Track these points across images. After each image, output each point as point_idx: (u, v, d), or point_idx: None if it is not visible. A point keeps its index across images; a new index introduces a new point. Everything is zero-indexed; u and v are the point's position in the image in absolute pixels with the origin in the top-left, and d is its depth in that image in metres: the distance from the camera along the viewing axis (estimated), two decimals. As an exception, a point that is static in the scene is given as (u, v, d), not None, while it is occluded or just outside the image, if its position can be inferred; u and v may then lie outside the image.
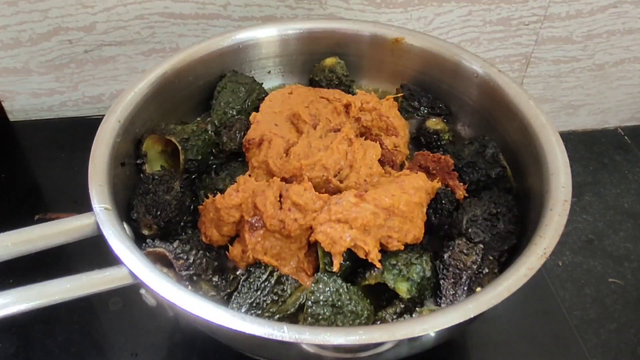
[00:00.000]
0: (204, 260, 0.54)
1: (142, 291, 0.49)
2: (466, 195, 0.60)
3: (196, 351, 0.61)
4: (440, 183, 0.59)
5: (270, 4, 0.82)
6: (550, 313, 0.68)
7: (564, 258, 0.75)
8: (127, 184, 0.59)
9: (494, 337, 0.64)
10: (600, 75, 0.95)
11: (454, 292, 0.52)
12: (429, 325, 0.43)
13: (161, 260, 0.54)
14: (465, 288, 0.51)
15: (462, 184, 0.61)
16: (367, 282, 0.53)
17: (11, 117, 0.91)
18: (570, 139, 0.95)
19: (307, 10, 0.83)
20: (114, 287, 0.48)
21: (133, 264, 0.47)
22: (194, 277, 0.53)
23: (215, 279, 0.53)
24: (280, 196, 0.55)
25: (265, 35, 0.72)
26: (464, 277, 0.52)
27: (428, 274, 0.52)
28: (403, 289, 0.51)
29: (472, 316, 0.44)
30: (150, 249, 0.54)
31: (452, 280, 0.52)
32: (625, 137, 0.97)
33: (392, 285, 0.51)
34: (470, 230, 0.56)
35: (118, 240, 0.49)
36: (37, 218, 0.72)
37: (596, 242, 0.78)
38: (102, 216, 0.50)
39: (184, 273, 0.52)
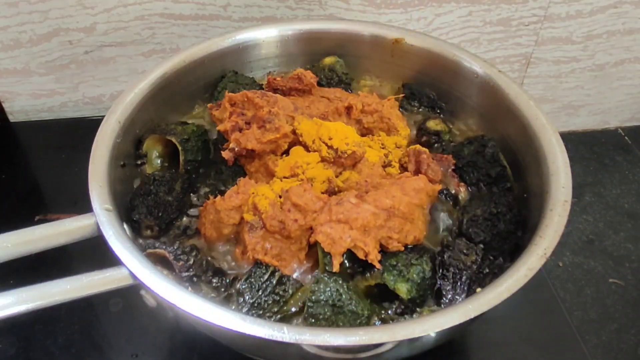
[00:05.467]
0: (204, 261, 0.54)
1: (142, 292, 0.49)
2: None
3: (196, 352, 0.61)
4: (441, 185, 0.59)
5: (270, 4, 0.82)
6: (550, 313, 0.68)
7: (565, 258, 0.75)
8: (127, 185, 0.59)
9: (494, 337, 0.64)
10: (600, 75, 0.95)
11: (453, 292, 0.52)
12: (430, 325, 0.43)
13: (161, 262, 0.54)
14: (465, 288, 0.51)
15: (463, 183, 0.61)
16: (367, 283, 0.53)
17: (11, 118, 0.91)
18: (570, 139, 0.95)
19: (307, 10, 0.83)
20: (114, 288, 0.48)
21: (133, 265, 0.47)
22: (194, 279, 0.53)
23: (215, 280, 0.53)
24: (281, 197, 0.55)
25: (265, 36, 0.72)
26: (464, 277, 0.52)
27: (428, 274, 0.52)
28: (403, 289, 0.51)
29: (472, 317, 0.44)
30: (151, 250, 0.54)
31: (452, 280, 0.52)
32: (626, 138, 0.97)
33: (392, 286, 0.51)
34: (470, 230, 0.56)
35: (118, 241, 0.48)
36: (38, 219, 0.72)
37: (596, 243, 0.77)
38: (102, 217, 0.50)
39: (184, 274, 0.52)
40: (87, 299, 0.48)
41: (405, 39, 0.70)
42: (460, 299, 0.51)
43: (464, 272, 0.52)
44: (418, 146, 0.62)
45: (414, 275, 0.51)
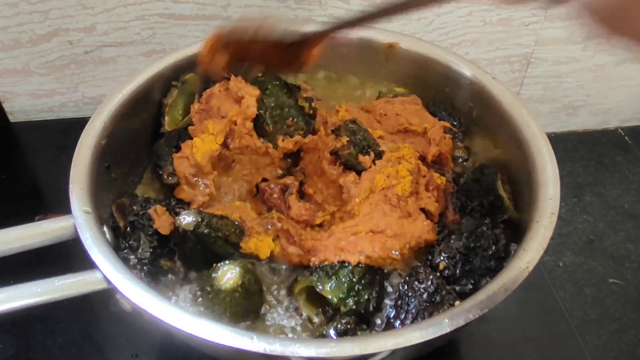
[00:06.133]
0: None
1: (118, 296, 0.48)
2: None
3: (197, 352, 0.61)
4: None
5: (270, 4, 0.82)
6: (550, 313, 0.68)
7: (565, 259, 0.75)
8: (111, 187, 0.59)
9: (494, 337, 0.64)
10: (600, 75, 0.95)
11: (400, 317, 0.50)
12: (402, 339, 0.42)
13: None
14: (411, 314, 0.50)
15: (458, 216, 0.58)
16: (299, 286, 0.53)
17: (11, 118, 0.91)
18: (570, 139, 0.95)
19: (307, 11, 0.83)
20: (88, 291, 0.47)
21: (107, 269, 0.46)
22: (136, 224, 0.54)
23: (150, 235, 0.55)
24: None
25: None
26: (412, 305, 0.50)
27: (355, 278, 0.51)
28: (327, 288, 0.50)
29: (447, 331, 0.43)
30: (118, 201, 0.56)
31: (397, 305, 0.51)
32: (626, 138, 0.97)
33: (317, 285, 0.51)
34: (438, 262, 0.53)
35: (94, 244, 0.48)
36: (38, 219, 0.72)
37: (597, 243, 0.77)
38: (80, 219, 0.50)
39: (131, 218, 0.54)
40: (86, 298, 0.47)
41: (399, 43, 0.70)
42: (406, 324, 0.49)
43: (412, 299, 0.50)
44: (444, 180, 0.60)
45: (341, 276, 0.50)
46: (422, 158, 0.61)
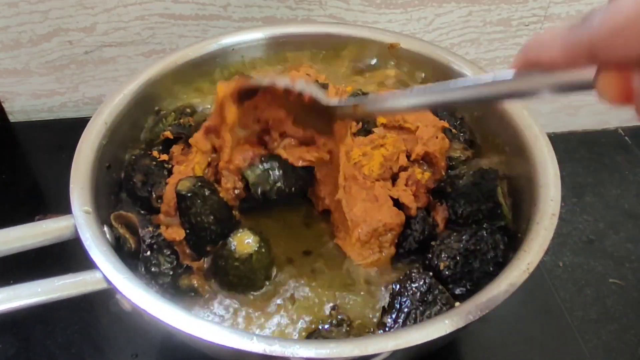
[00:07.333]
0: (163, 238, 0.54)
1: (118, 296, 0.48)
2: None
3: (197, 352, 0.61)
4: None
5: (270, 4, 0.82)
6: (550, 313, 0.68)
7: (565, 258, 0.75)
8: (112, 187, 0.59)
9: (493, 337, 0.64)
10: (600, 75, 0.95)
11: (392, 316, 0.50)
12: (402, 341, 0.42)
13: (126, 227, 0.54)
14: (406, 311, 0.49)
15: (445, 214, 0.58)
16: None
17: (11, 118, 0.91)
18: (570, 139, 0.95)
19: (307, 11, 0.83)
20: (88, 291, 0.47)
21: (107, 269, 0.46)
22: (154, 246, 0.53)
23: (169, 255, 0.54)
24: None
25: (259, 38, 0.71)
26: (404, 304, 0.50)
27: None
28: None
29: (448, 332, 0.43)
30: (119, 212, 0.54)
31: (393, 303, 0.51)
32: (626, 138, 0.97)
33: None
34: (437, 262, 0.53)
35: (94, 244, 0.48)
36: (38, 219, 0.72)
37: (597, 243, 0.77)
38: (80, 219, 0.49)
39: (147, 241, 0.52)
40: (86, 298, 0.47)
41: (400, 43, 0.70)
42: (398, 323, 0.49)
43: (405, 298, 0.50)
44: (427, 176, 0.60)
45: None
46: (409, 155, 0.61)
